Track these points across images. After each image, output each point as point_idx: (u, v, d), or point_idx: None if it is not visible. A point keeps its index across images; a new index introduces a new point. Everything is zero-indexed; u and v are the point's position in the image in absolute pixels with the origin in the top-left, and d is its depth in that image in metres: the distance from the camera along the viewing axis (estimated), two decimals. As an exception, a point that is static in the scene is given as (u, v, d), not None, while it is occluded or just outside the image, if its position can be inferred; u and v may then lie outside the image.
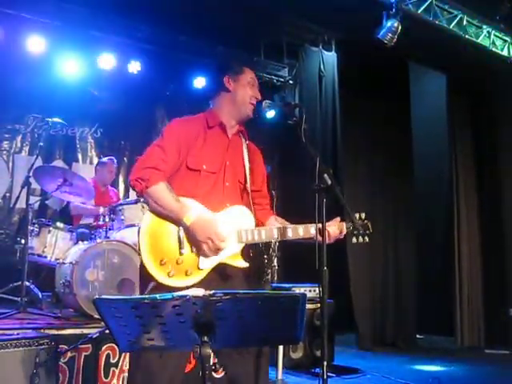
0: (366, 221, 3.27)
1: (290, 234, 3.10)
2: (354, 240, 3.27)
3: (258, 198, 3.32)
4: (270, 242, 3.16)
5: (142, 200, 6.36)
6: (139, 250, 2.90)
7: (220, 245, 2.89)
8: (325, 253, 2.77)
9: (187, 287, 2.66)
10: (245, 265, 3.07)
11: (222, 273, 3.01)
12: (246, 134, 3.35)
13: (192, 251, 2.92)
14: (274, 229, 3.12)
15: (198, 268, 2.92)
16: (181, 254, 2.90)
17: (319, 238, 2.96)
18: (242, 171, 3.24)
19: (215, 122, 3.21)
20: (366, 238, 3.28)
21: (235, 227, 3.04)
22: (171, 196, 2.93)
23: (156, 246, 2.89)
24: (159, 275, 2.84)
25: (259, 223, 3.23)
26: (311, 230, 3.10)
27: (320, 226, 2.90)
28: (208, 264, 2.95)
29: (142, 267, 2.88)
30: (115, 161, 7.55)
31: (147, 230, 2.93)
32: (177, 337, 2.04)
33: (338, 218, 3.17)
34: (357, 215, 3.24)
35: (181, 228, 2.92)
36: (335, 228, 3.14)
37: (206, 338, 1.96)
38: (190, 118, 3.28)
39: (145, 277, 2.88)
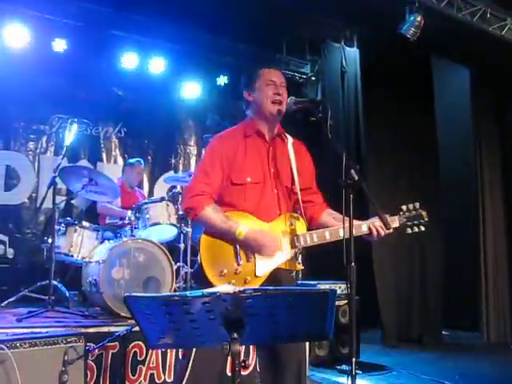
0: (420, 210, 3.29)
1: (341, 234, 3.10)
2: (409, 231, 3.28)
3: (309, 196, 3.37)
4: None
5: (167, 199, 6.42)
6: (201, 266, 3.05)
7: (274, 250, 3.04)
8: (352, 249, 2.76)
9: None
10: (300, 267, 3.19)
11: (276, 277, 3.11)
12: (285, 133, 3.37)
13: (248, 261, 3.06)
14: (326, 231, 3.17)
15: (256, 275, 3.05)
16: (238, 264, 3.04)
17: (373, 233, 3.13)
18: (288, 175, 3.28)
19: (252, 130, 3.27)
20: (422, 228, 3.30)
21: (288, 234, 3.14)
22: (219, 217, 3.06)
23: (215, 261, 3.05)
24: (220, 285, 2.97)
25: (312, 220, 3.32)
26: (363, 227, 3.16)
27: (371, 223, 3.09)
28: (264, 271, 3.07)
29: (206, 281, 3.01)
30: (143, 162, 7.59)
31: (206, 248, 3.09)
32: (207, 334, 2.05)
33: (387, 214, 3.18)
34: (411, 206, 3.28)
35: (236, 243, 3.05)
36: (381, 223, 3.13)
37: (235, 335, 1.97)
38: (229, 131, 3.35)
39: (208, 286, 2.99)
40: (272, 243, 3.04)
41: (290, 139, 3.38)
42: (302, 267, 3.19)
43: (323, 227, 3.23)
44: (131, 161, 7.62)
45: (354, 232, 3.07)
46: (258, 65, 3.43)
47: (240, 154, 3.19)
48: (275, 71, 3.33)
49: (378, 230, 3.13)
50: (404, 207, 3.26)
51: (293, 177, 3.27)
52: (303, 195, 3.30)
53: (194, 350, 2.94)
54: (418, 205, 3.29)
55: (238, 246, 3.05)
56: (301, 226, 3.19)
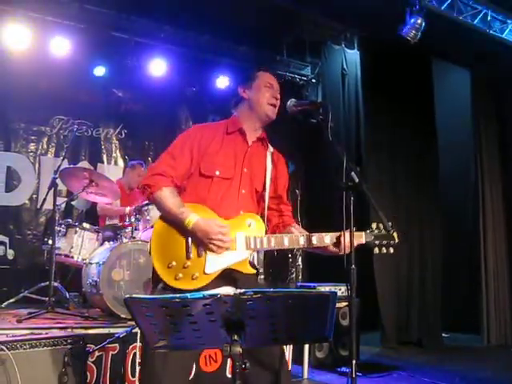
0: (391, 230, 3.13)
1: (302, 242, 3.05)
2: (377, 251, 3.17)
3: (278, 205, 3.31)
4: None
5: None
6: (149, 252, 2.96)
7: (224, 241, 2.90)
8: (353, 251, 2.76)
9: (193, 291, 2.63)
10: (251, 271, 3.04)
11: (228, 277, 2.98)
12: (267, 141, 3.34)
13: (198, 256, 2.94)
14: (285, 237, 3.06)
15: (205, 273, 2.93)
16: (188, 258, 2.93)
17: (333, 250, 3.02)
18: (261, 179, 3.23)
19: (235, 127, 3.23)
20: (391, 249, 3.19)
21: (243, 234, 3.02)
22: (174, 201, 2.96)
23: (165, 250, 2.94)
24: (166, 277, 2.90)
25: (276, 229, 3.23)
26: (325, 239, 3.05)
27: (335, 235, 2.98)
28: (214, 269, 2.95)
29: (153, 268, 2.94)
30: (144, 165, 7.60)
31: (157, 234, 2.99)
32: (207, 335, 2.05)
33: (353, 228, 2.94)
34: (381, 225, 3.13)
35: (187, 233, 2.94)
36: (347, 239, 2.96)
37: (236, 337, 1.97)
38: (210, 124, 3.34)
39: (154, 278, 2.95)
40: (222, 234, 2.90)
41: (270, 148, 3.34)
42: (254, 271, 3.03)
43: None
44: (133, 162, 7.62)
45: (314, 243, 3.05)
46: (257, 66, 3.44)
47: (215, 146, 3.13)
48: (273, 77, 3.33)
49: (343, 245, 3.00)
50: (374, 225, 3.14)
51: (265, 182, 3.22)
52: (272, 203, 3.26)
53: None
54: (390, 224, 3.08)
55: (190, 239, 2.94)
56: (260, 229, 3.07)
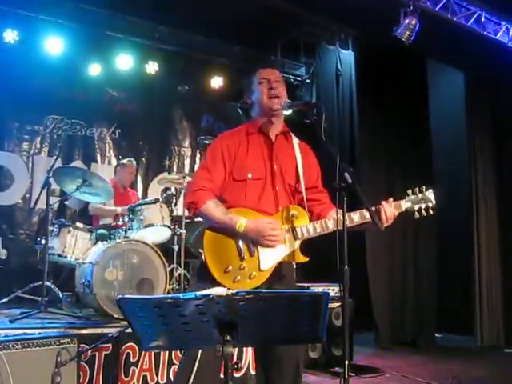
0: (426, 193, 3.24)
1: (346, 222, 3.10)
2: (417, 215, 3.22)
3: (315, 194, 3.36)
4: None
5: (161, 200, 6.43)
6: (205, 263, 3.05)
7: (277, 237, 3.03)
8: (346, 251, 2.75)
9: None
10: (304, 259, 3.17)
11: (281, 271, 3.12)
12: (290, 133, 3.39)
13: (251, 256, 3.05)
14: (328, 220, 3.15)
15: (260, 270, 3.05)
16: (242, 259, 3.04)
17: (380, 218, 3.05)
18: (293, 173, 3.29)
19: (254, 128, 3.30)
20: (430, 211, 3.25)
21: (289, 226, 3.13)
22: (219, 211, 3.08)
23: (219, 257, 3.06)
24: (226, 282, 2.99)
25: (320, 217, 3.27)
26: (366, 214, 3.10)
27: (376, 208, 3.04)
28: (269, 264, 3.07)
29: (212, 278, 3.01)
30: (134, 162, 7.58)
31: (209, 244, 3.10)
32: (199, 336, 2.05)
33: (391, 199, 3.14)
34: (417, 189, 3.23)
35: (238, 237, 3.05)
36: (390, 208, 3.10)
37: (228, 337, 1.97)
38: (231, 130, 3.41)
39: (213, 284, 2.96)
40: (273, 229, 3.03)
41: (295, 139, 3.39)
42: (307, 259, 3.17)
43: None
44: (123, 161, 7.61)
45: (357, 220, 3.12)
46: (253, 69, 3.46)
47: (242, 150, 3.22)
48: (267, 69, 3.37)
49: (386, 216, 3.08)
50: (410, 191, 3.23)
51: (297, 175, 3.28)
52: (309, 194, 3.31)
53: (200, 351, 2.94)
54: (424, 188, 3.23)
55: (240, 241, 3.05)
56: (303, 218, 3.18)
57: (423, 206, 3.24)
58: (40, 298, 5.36)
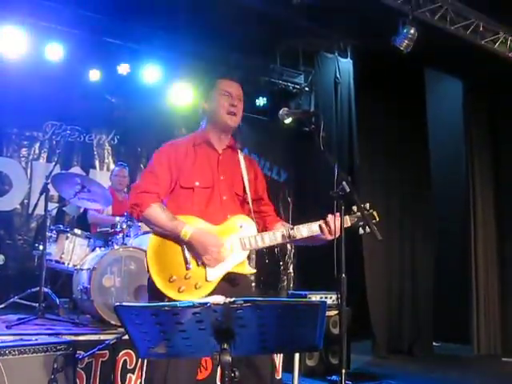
0: (370, 210, 3.22)
1: (294, 235, 3.10)
2: (361, 231, 3.19)
3: (261, 206, 3.36)
4: (285, 249, 3.14)
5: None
6: (148, 270, 2.98)
7: (219, 255, 2.96)
8: (343, 260, 2.76)
9: None
10: (251, 271, 3.13)
11: (230, 282, 3.05)
12: (236, 147, 3.37)
13: (198, 265, 2.98)
14: (277, 232, 3.12)
15: (207, 280, 2.98)
16: (187, 269, 2.96)
17: (323, 236, 3.05)
18: (239, 183, 3.27)
19: (202, 139, 3.26)
20: (374, 227, 3.17)
21: (238, 236, 3.08)
22: (165, 215, 3.00)
23: (163, 265, 2.96)
24: (170, 292, 2.91)
25: (267, 230, 3.25)
26: (313, 227, 3.10)
27: (323, 221, 3.03)
28: (216, 275, 3.00)
29: (154, 286, 2.94)
30: (125, 165, 7.57)
31: (153, 251, 3.01)
32: (196, 344, 2.05)
33: (337, 214, 3.05)
34: (361, 205, 3.18)
35: (183, 245, 2.98)
36: (337, 222, 3.05)
37: (225, 346, 1.97)
38: (179, 140, 3.36)
39: (157, 295, 2.94)
40: (217, 247, 2.96)
41: (240, 153, 3.38)
42: (254, 271, 3.13)
43: None
44: (114, 168, 7.64)
45: (305, 234, 3.10)
46: (216, 75, 3.44)
47: (189, 159, 3.18)
48: (232, 83, 3.32)
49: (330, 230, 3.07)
50: (355, 207, 3.18)
51: (244, 186, 3.26)
52: (256, 206, 3.30)
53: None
54: (368, 205, 3.21)
55: (186, 250, 2.98)
56: (251, 228, 3.14)
57: (367, 222, 3.18)
58: (37, 304, 5.37)
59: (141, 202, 3.02)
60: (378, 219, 3.22)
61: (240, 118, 3.25)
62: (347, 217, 3.14)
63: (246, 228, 3.12)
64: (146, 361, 4.43)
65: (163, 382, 2.87)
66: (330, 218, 3.08)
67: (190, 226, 2.97)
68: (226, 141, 3.31)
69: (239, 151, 3.38)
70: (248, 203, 3.24)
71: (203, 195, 3.13)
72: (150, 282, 2.97)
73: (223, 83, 3.29)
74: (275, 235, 3.11)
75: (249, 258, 3.17)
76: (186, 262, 2.96)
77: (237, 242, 3.07)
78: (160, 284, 2.92)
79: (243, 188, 3.26)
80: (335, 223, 3.03)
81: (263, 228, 3.28)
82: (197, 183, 3.12)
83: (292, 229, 3.12)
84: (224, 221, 3.11)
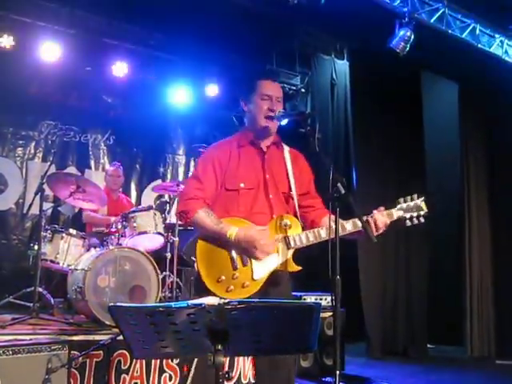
0: (417, 201, 3.27)
1: (338, 232, 3.11)
2: (408, 223, 3.26)
3: (308, 200, 3.40)
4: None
5: (154, 207, 6.42)
6: (198, 273, 3.07)
7: (267, 248, 3.03)
8: (338, 261, 2.77)
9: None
10: (297, 268, 3.18)
11: (274, 280, 3.13)
12: (281, 142, 3.41)
13: (244, 265, 3.06)
14: (321, 230, 3.16)
15: (253, 279, 3.06)
16: (235, 269, 3.05)
17: (371, 228, 3.08)
18: (285, 181, 3.31)
19: (246, 140, 3.33)
20: (421, 219, 3.28)
21: (283, 235, 3.15)
22: (211, 220, 3.09)
23: (211, 267, 3.07)
24: (219, 292, 3.00)
25: (314, 223, 3.29)
26: (359, 223, 3.12)
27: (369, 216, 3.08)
28: (262, 274, 3.08)
29: (204, 287, 3.03)
30: (119, 164, 7.55)
31: (201, 253, 3.11)
32: (191, 345, 2.05)
33: (382, 208, 3.20)
34: (408, 197, 3.27)
35: (230, 246, 3.06)
36: (382, 217, 3.16)
37: (219, 346, 1.98)
38: (222, 142, 3.42)
39: (207, 294, 2.95)
40: (264, 240, 3.03)
41: (286, 148, 3.42)
42: (300, 268, 3.18)
43: None
44: (108, 168, 7.63)
45: (349, 229, 3.15)
46: (256, 75, 3.46)
47: (233, 161, 3.24)
48: (272, 84, 3.36)
49: (377, 225, 3.13)
50: (401, 199, 3.25)
51: (289, 183, 3.30)
52: (303, 200, 3.34)
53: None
54: (415, 196, 3.27)
55: (233, 251, 3.06)
56: (295, 227, 3.19)
57: (415, 214, 3.28)
58: (32, 304, 5.34)
59: (188, 209, 3.13)
60: (426, 210, 3.29)
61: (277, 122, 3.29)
62: (392, 211, 3.23)
63: (292, 227, 3.18)
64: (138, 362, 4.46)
65: None
66: (375, 213, 3.15)
67: (236, 227, 3.05)
68: (271, 138, 3.36)
69: (284, 146, 3.42)
70: (293, 199, 3.29)
71: (248, 196, 3.20)
72: (200, 282, 3.06)
73: (263, 85, 3.32)
74: (319, 232, 3.15)
75: None
76: (233, 263, 3.06)
77: (282, 241, 3.13)
78: (209, 285, 3.03)
79: (289, 185, 3.31)
80: (378, 220, 3.12)
81: (311, 223, 3.32)
82: (242, 185, 3.20)
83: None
84: (270, 221, 3.18)
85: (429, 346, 8.51)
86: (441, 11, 7.04)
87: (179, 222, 6.56)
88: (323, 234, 3.14)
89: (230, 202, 3.20)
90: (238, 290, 3.02)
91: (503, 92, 8.18)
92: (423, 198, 3.31)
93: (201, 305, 1.87)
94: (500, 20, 7.46)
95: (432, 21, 7.03)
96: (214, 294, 2.94)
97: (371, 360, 7.67)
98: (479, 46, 7.45)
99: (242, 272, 3.05)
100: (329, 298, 6.02)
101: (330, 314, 6.33)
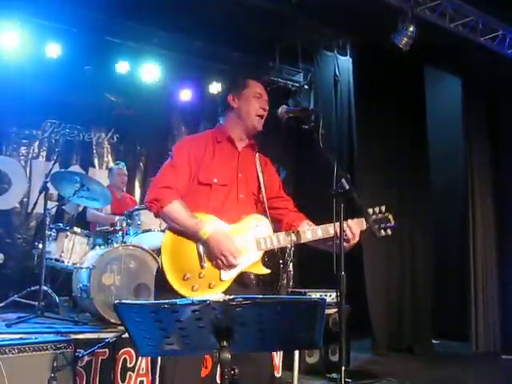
0: (386, 213, 3.23)
1: (308, 236, 3.10)
2: (378, 234, 3.20)
3: (280, 202, 3.36)
4: (285, 247, 3.11)
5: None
6: (161, 267, 2.96)
7: (233, 261, 2.95)
8: (342, 257, 2.76)
9: None
10: (266, 271, 3.11)
11: (242, 281, 3.06)
12: (257, 146, 3.38)
13: (213, 264, 2.98)
14: (291, 233, 3.11)
15: (221, 279, 2.99)
16: (202, 267, 2.96)
17: (347, 234, 3.03)
18: (255, 182, 3.28)
19: (223, 136, 3.28)
20: (389, 231, 3.23)
21: (253, 236, 3.08)
22: (186, 213, 2.99)
23: (178, 263, 2.96)
24: (183, 290, 2.91)
25: (292, 227, 3.23)
26: (330, 229, 3.08)
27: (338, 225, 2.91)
28: (230, 274, 3.01)
29: (165, 283, 2.93)
30: (122, 164, 7.57)
31: (168, 248, 3.00)
32: (196, 341, 2.05)
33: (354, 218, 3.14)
34: (376, 209, 3.22)
35: (199, 243, 2.98)
36: (355, 226, 3.11)
37: (225, 343, 1.97)
38: (198, 135, 3.40)
39: (171, 293, 2.90)
40: (233, 253, 2.95)
41: (257, 153, 3.39)
42: (268, 271, 3.11)
43: None
44: (112, 167, 7.64)
45: (320, 234, 3.11)
46: (247, 73, 3.45)
47: (208, 155, 3.18)
48: (262, 86, 3.35)
49: (353, 233, 3.08)
50: (370, 210, 3.20)
51: (259, 185, 3.27)
52: (274, 203, 3.31)
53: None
54: (383, 208, 3.22)
55: (201, 248, 2.98)
56: (267, 228, 3.14)
57: (383, 225, 3.22)
58: (37, 303, 5.37)
59: (162, 198, 3.00)
60: (393, 223, 3.23)
61: (263, 122, 3.28)
62: (363, 219, 3.16)
63: (262, 228, 3.13)
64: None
65: (170, 381, 2.90)
66: (350, 223, 3.08)
67: (210, 225, 2.97)
68: (248, 140, 3.33)
69: (256, 151, 3.39)
70: (263, 203, 3.25)
71: (220, 192, 3.13)
72: (162, 278, 2.95)
73: (256, 85, 3.31)
74: (290, 236, 3.11)
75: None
76: (201, 261, 2.97)
77: (252, 241, 3.07)
78: (174, 282, 2.92)
79: (258, 187, 3.27)
80: (352, 227, 3.07)
81: (288, 225, 3.26)
82: (215, 180, 3.12)
83: (309, 230, 3.13)
84: (239, 220, 3.12)
85: (434, 341, 8.51)
86: (443, 6, 7.01)
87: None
88: (293, 236, 3.09)
89: (201, 197, 3.11)
90: (204, 289, 2.93)
91: (506, 86, 8.16)
92: (391, 211, 3.26)
93: (206, 301, 1.87)
94: (503, 14, 7.42)
95: (435, 16, 7.01)
96: (179, 294, 2.88)
97: (376, 356, 7.67)
98: (482, 40, 7.42)
99: (210, 271, 2.96)
100: (334, 295, 6.04)
101: (335, 310, 6.32)
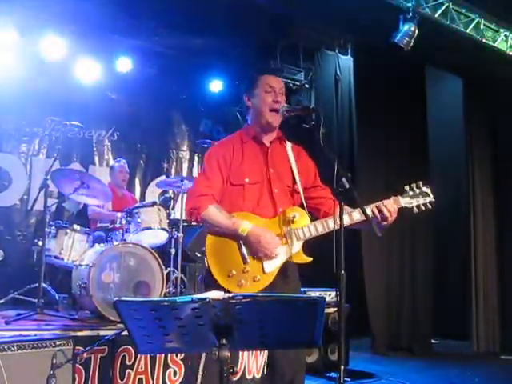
0: (423, 188, 3.33)
1: (347, 220, 3.11)
2: (416, 210, 3.30)
3: (317, 192, 3.42)
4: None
5: (158, 203, 6.42)
6: (209, 268, 3.13)
7: (273, 251, 3.07)
8: (342, 256, 2.76)
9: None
10: (308, 259, 3.19)
11: (285, 273, 3.16)
12: (284, 138, 3.44)
13: (254, 258, 3.09)
14: (329, 219, 3.17)
15: (264, 272, 3.09)
16: (245, 263, 3.08)
17: (379, 216, 3.14)
18: (288, 175, 3.35)
19: (248, 136, 3.37)
20: (429, 206, 3.33)
21: (291, 228, 3.16)
22: (222, 215, 3.13)
23: (222, 262, 3.11)
24: (230, 287, 3.03)
25: (327, 215, 3.29)
26: (367, 210, 3.12)
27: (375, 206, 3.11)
28: (273, 267, 3.11)
29: (215, 282, 3.07)
30: (123, 161, 7.56)
31: (211, 250, 3.16)
32: (195, 339, 2.05)
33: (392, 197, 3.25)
34: (414, 185, 3.32)
35: (240, 240, 3.09)
36: (392, 203, 3.21)
37: (224, 341, 1.97)
38: (226, 138, 3.49)
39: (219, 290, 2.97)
40: (273, 244, 3.07)
41: (289, 144, 3.45)
42: (310, 259, 3.19)
43: None
44: (113, 164, 7.63)
45: (358, 218, 3.16)
46: (259, 70, 3.48)
47: (237, 157, 3.27)
48: (275, 77, 3.39)
49: (390, 212, 3.17)
50: (407, 187, 3.29)
51: (294, 177, 3.33)
52: (311, 192, 3.38)
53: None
54: (421, 183, 3.32)
55: (243, 245, 3.09)
56: (303, 219, 3.21)
57: (421, 201, 3.31)
58: (36, 300, 5.35)
59: (198, 206, 3.15)
60: (432, 196, 3.36)
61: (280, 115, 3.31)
62: (399, 197, 3.28)
63: (299, 219, 3.20)
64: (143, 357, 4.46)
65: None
66: (385, 202, 3.19)
67: (247, 222, 3.09)
68: (274, 134, 3.39)
69: (286, 142, 3.44)
70: (299, 193, 3.32)
71: (254, 191, 3.23)
72: (210, 277, 3.11)
73: (266, 78, 3.35)
74: (327, 222, 3.17)
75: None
76: (243, 257, 3.09)
77: (291, 233, 3.15)
78: (220, 280, 3.06)
79: (293, 179, 3.33)
80: (388, 206, 3.16)
81: (325, 213, 3.33)
82: (246, 180, 3.23)
83: (346, 214, 3.15)
84: (276, 214, 3.21)
85: (433, 341, 8.51)
86: (445, 6, 7.01)
87: (184, 218, 6.54)
88: (331, 224, 3.14)
89: (236, 197, 3.22)
90: (250, 283, 3.05)
91: (507, 86, 8.15)
92: (428, 185, 3.37)
93: (205, 299, 1.87)
94: (504, 14, 7.42)
95: (436, 15, 7.01)
96: (225, 290, 2.96)
97: (376, 355, 7.67)
98: (484, 40, 7.42)
99: (253, 265, 3.08)
100: (333, 294, 6.07)
101: (335, 309, 6.32)
